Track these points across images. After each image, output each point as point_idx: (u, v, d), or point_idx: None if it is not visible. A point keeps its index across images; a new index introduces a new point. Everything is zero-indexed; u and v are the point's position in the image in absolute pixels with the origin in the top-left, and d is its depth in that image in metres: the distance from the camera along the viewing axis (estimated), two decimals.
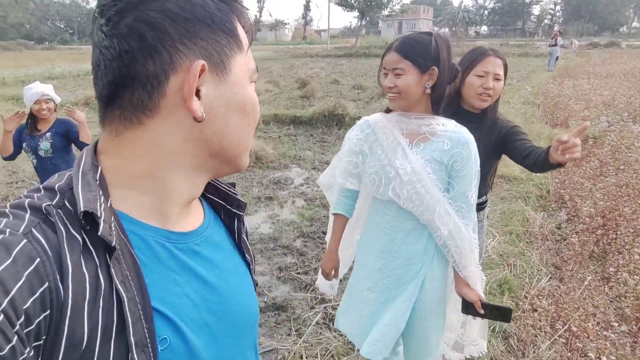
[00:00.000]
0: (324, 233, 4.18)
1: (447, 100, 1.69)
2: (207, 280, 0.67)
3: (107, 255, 0.55)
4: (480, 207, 2.27)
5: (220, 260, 0.72)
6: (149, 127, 0.60)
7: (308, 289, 3.40)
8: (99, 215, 0.54)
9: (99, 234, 0.54)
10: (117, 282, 0.54)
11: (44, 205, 0.55)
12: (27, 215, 0.53)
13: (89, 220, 0.55)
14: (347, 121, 8.69)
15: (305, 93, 12.69)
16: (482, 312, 1.64)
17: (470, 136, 1.67)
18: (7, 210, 0.54)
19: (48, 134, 3.36)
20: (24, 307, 0.47)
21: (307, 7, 71.30)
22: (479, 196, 2.24)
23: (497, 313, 1.66)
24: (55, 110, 3.45)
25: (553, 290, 3.19)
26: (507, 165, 5.47)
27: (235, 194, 0.80)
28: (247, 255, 0.82)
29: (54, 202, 0.56)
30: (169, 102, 0.59)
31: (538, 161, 1.95)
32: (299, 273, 3.63)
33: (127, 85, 0.57)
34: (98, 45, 0.58)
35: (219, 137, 0.64)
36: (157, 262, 0.62)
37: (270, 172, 6.28)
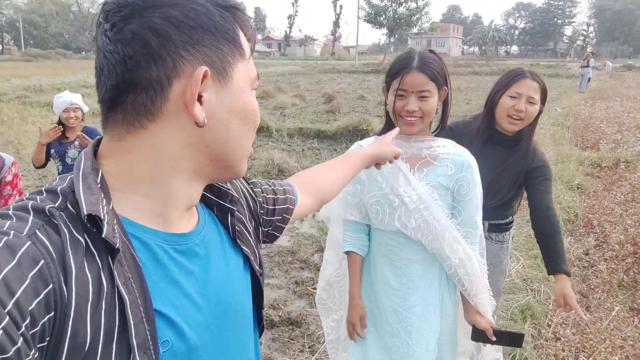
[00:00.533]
0: None
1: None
2: (205, 280, 0.68)
3: (110, 258, 0.56)
4: (505, 227, 2.22)
5: (216, 258, 0.72)
6: (151, 132, 0.60)
7: None
8: (102, 217, 0.55)
9: (103, 236, 0.54)
10: (120, 285, 0.55)
11: (47, 207, 0.55)
12: (31, 217, 0.53)
13: (93, 223, 0.55)
14: (372, 136, 8.66)
15: (331, 108, 12.75)
16: (493, 339, 1.58)
17: (472, 158, 1.60)
18: (10, 212, 0.54)
19: (76, 142, 3.45)
20: (29, 309, 0.47)
21: (336, 24, 71.98)
22: (505, 217, 2.19)
23: (509, 338, 1.60)
24: (82, 119, 3.53)
25: (578, 319, 3.06)
26: None
27: (228, 189, 0.80)
28: (244, 248, 0.80)
29: (56, 205, 0.56)
30: (172, 107, 0.59)
31: (540, 238, 2.01)
32: (315, 288, 3.59)
33: (131, 89, 0.58)
34: (102, 50, 0.59)
35: (220, 143, 0.64)
36: (157, 265, 0.62)
37: None
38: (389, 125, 1.65)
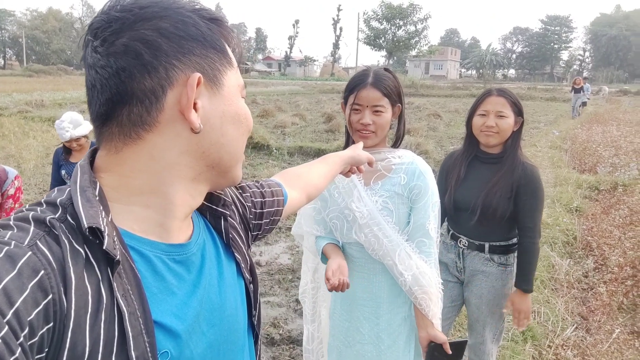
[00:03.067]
0: None
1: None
2: (203, 288, 0.69)
3: (110, 270, 0.56)
4: (509, 249, 2.19)
5: (211, 266, 0.73)
6: (148, 141, 0.61)
7: None
8: (102, 229, 0.55)
9: (104, 247, 0.54)
10: (119, 296, 0.55)
11: (48, 218, 0.55)
12: (32, 228, 0.54)
13: (93, 235, 0.55)
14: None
15: (331, 127, 12.84)
16: (450, 352, 1.56)
17: (427, 167, 1.65)
18: (11, 222, 0.55)
19: None
20: (28, 319, 0.48)
21: (336, 45, 72.89)
22: (508, 238, 2.18)
23: (459, 348, 1.59)
24: (87, 139, 3.54)
25: (579, 341, 3.07)
26: None
27: (220, 194, 0.81)
28: (236, 254, 0.81)
29: (56, 216, 0.57)
30: (167, 115, 0.61)
31: (519, 256, 2.13)
32: None
33: (125, 102, 0.59)
34: (93, 67, 0.60)
35: (215, 148, 0.66)
36: (156, 276, 0.62)
37: None
38: (347, 140, 1.75)
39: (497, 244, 2.17)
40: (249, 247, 0.89)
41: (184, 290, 0.66)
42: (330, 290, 1.53)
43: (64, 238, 0.54)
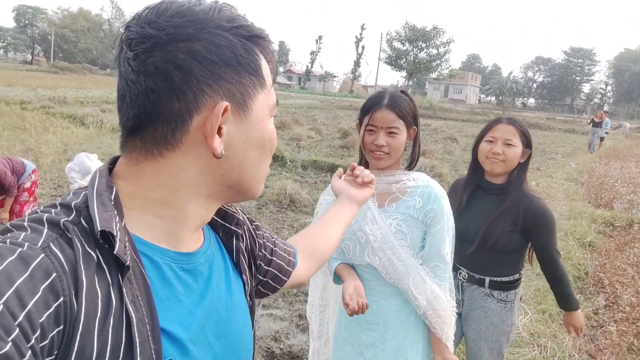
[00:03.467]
0: None
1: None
2: (209, 300, 0.69)
3: (120, 275, 0.56)
4: (509, 286, 2.12)
5: (219, 279, 0.73)
6: (169, 160, 0.61)
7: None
8: (115, 234, 0.55)
9: (115, 252, 0.54)
10: (128, 302, 0.55)
11: (61, 220, 0.55)
12: (45, 230, 0.54)
13: (105, 240, 0.55)
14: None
15: (346, 143, 12.85)
16: None
17: (442, 190, 1.62)
18: (25, 223, 0.55)
19: None
20: (40, 321, 0.47)
21: (357, 63, 73.34)
22: (509, 274, 2.11)
23: None
24: None
25: None
26: None
27: (234, 212, 0.80)
28: (243, 275, 0.80)
29: (70, 219, 0.57)
30: (191, 138, 0.61)
31: (549, 283, 2.16)
32: None
33: (152, 121, 0.60)
34: (125, 76, 0.60)
35: (237, 172, 0.66)
36: (165, 283, 0.63)
37: (303, 217, 6.28)
38: (360, 159, 1.75)
39: (498, 279, 2.10)
40: (252, 277, 0.86)
41: (191, 299, 0.66)
42: (350, 315, 1.51)
43: (76, 241, 0.54)
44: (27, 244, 0.51)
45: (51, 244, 0.52)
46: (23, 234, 0.53)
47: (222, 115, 0.60)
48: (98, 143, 9.84)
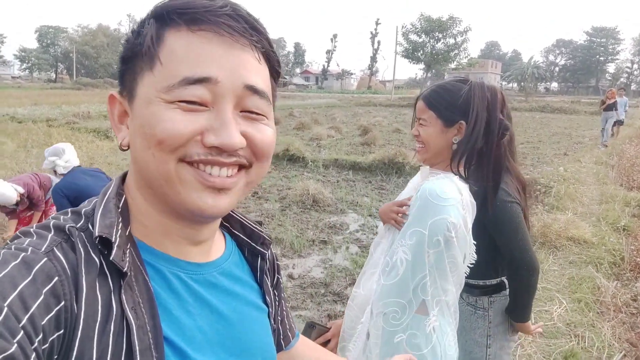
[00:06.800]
0: None
1: (491, 160, 1.44)
2: (222, 313, 0.66)
3: (121, 281, 0.55)
4: (479, 290, 1.84)
5: (239, 294, 0.70)
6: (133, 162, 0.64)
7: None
8: (113, 240, 0.55)
9: (111, 258, 0.54)
10: (128, 309, 0.54)
11: (67, 226, 0.56)
12: (50, 235, 0.55)
13: (106, 245, 0.55)
14: (407, 170, 8.61)
15: (367, 140, 12.79)
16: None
17: (432, 186, 1.34)
18: (32, 230, 0.56)
19: None
20: (42, 324, 0.47)
21: (373, 59, 72.97)
22: (476, 277, 1.74)
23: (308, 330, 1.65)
24: None
25: None
26: (577, 227, 5.15)
27: (261, 232, 0.78)
28: (267, 297, 0.77)
29: (78, 225, 0.57)
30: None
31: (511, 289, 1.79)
32: None
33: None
34: None
35: (137, 166, 0.61)
36: (170, 293, 0.61)
37: (327, 216, 6.27)
38: None
39: (465, 280, 1.66)
40: (276, 302, 0.84)
41: (200, 311, 0.63)
42: None
43: (80, 246, 0.55)
44: (30, 248, 0.51)
45: (55, 248, 0.53)
46: (28, 239, 0.53)
47: (111, 105, 0.62)
48: (123, 155, 10.02)
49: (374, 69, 74.78)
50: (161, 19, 0.58)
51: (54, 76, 77.35)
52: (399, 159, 8.96)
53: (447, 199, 1.30)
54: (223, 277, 0.69)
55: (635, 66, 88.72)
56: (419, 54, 51.23)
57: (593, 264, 4.51)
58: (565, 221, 5.22)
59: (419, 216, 1.33)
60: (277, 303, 0.85)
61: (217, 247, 0.71)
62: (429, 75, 54.34)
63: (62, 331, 0.50)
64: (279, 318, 0.86)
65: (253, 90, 0.58)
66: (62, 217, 0.59)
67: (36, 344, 0.46)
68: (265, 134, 0.61)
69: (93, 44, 72.85)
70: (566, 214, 5.64)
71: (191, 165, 0.57)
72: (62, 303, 0.50)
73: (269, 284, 0.80)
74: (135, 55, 0.59)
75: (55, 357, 0.50)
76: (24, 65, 78.68)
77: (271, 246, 0.83)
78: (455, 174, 1.43)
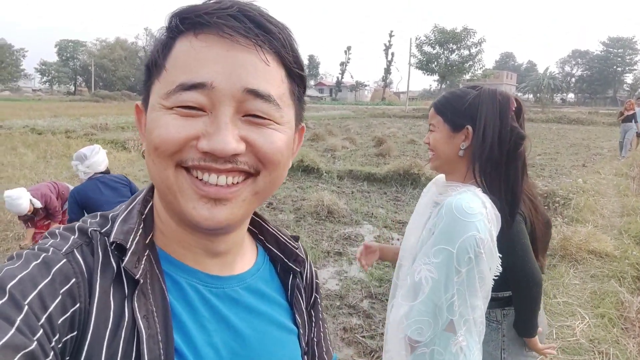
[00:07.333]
0: None
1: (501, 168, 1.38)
2: (240, 331, 0.63)
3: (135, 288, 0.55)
4: (495, 302, 1.73)
5: (263, 312, 0.66)
6: None
7: (373, 356, 3.21)
8: (127, 247, 0.55)
9: (123, 265, 0.54)
10: (139, 317, 0.53)
11: (90, 229, 0.57)
12: (73, 237, 0.55)
13: (122, 251, 0.55)
14: (423, 181, 8.53)
15: (381, 151, 12.74)
16: None
17: (458, 202, 1.29)
18: (57, 231, 0.57)
19: None
20: (58, 324, 0.48)
21: (387, 71, 73.11)
22: (496, 290, 1.65)
23: None
24: None
25: None
26: (598, 240, 5.03)
27: (295, 248, 0.75)
28: (297, 316, 0.73)
29: (103, 229, 0.58)
30: None
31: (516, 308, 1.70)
32: (364, 336, 3.47)
33: None
34: None
35: (151, 177, 0.60)
36: (186, 305, 0.59)
37: (341, 227, 6.22)
38: None
39: None
40: (311, 322, 0.79)
41: (216, 326, 0.61)
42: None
43: (99, 250, 0.55)
44: (52, 249, 0.52)
45: (75, 250, 0.53)
46: (51, 240, 0.55)
47: (137, 115, 0.63)
48: (140, 165, 10.11)
49: (387, 80, 74.88)
50: (171, 27, 0.57)
51: (73, 89, 79.10)
52: (414, 170, 8.89)
53: (474, 215, 1.26)
54: (247, 292, 0.66)
55: None
56: (433, 66, 51.18)
57: (616, 278, 4.38)
58: (586, 234, 5.10)
59: (447, 233, 1.28)
60: (312, 324, 0.80)
61: (245, 260, 0.69)
62: (444, 86, 54.15)
63: (75, 332, 0.50)
64: (314, 340, 0.80)
65: (255, 94, 0.55)
66: (89, 220, 0.59)
67: (53, 343, 0.47)
68: (271, 139, 0.57)
69: (111, 57, 74.31)
70: (586, 227, 5.52)
71: (188, 172, 0.55)
72: (78, 305, 0.50)
73: (303, 303, 0.76)
74: (148, 66, 0.60)
75: (67, 358, 0.50)
76: (44, 79, 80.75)
77: (310, 263, 0.80)
78: (477, 187, 1.38)
